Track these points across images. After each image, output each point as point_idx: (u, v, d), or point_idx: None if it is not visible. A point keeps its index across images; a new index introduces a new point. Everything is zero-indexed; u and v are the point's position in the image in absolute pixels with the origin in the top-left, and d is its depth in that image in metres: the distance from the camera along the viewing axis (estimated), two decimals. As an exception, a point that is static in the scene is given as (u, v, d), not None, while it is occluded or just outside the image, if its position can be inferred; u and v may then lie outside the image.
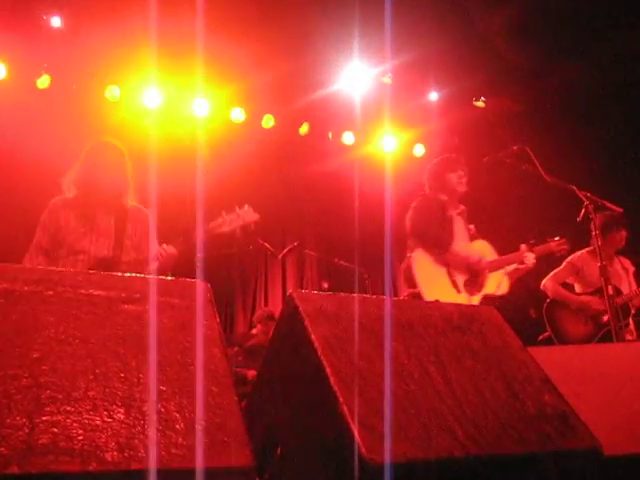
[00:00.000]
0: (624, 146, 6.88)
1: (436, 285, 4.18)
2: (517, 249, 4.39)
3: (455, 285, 4.23)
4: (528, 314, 6.67)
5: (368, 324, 1.82)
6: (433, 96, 8.12)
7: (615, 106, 6.82)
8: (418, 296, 4.15)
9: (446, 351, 1.86)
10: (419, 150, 8.73)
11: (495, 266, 4.36)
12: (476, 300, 4.22)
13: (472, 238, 4.52)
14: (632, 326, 5.14)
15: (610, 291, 3.76)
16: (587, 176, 4.64)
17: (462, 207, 4.62)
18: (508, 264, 4.40)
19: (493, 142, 4.60)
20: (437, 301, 3.97)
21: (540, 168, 4.05)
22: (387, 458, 1.46)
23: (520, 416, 1.77)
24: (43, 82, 6.85)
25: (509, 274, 4.39)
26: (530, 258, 4.36)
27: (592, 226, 3.98)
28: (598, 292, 4.94)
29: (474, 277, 4.27)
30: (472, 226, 4.60)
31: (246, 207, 3.75)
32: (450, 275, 4.23)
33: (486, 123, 7.81)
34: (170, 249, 3.59)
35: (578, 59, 6.56)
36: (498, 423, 1.71)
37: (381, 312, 1.87)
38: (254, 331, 6.90)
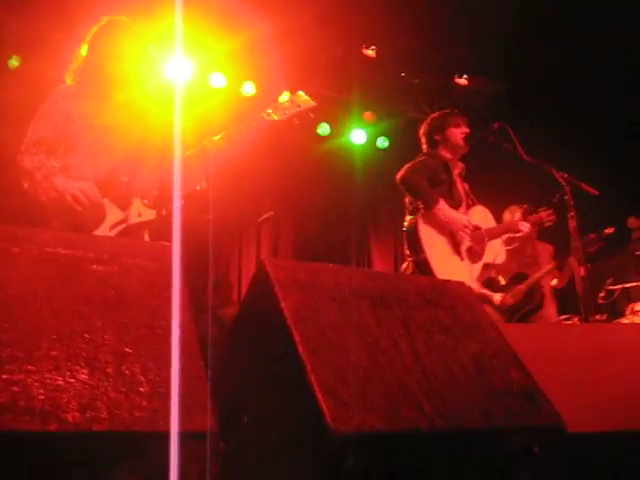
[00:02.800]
0: (604, 130, 6.90)
1: (440, 251, 4.06)
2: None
3: (458, 252, 4.14)
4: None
5: (340, 294, 1.80)
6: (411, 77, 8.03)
7: (595, 90, 6.83)
8: (422, 262, 4.02)
9: (417, 324, 1.85)
10: (383, 142, 8.66)
11: (494, 234, 4.29)
12: (477, 268, 4.14)
13: (469, 203, 4.41)
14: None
15: (582, 273, 3.78)
16: (565, 158, 4.64)
17: (461, 165, 4.49)
18: (505, 232, 4.38)
19: (477, 122, 4.56)
20: (410, 274, 3.95)
21: (520, 147, 4.04)
22: (353, 428, 1.45)
23: (487, 391, 1.78)
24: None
25: (505, 242, 4.37)
26: (525, 226, 4.35)
27: (568, 207, 3.98)
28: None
29: (475, 244, 4.17)
30: (467, 185, 4.50)
31: (301, 92, 3.41)
32: (453, 242, 4.10)
33: (469, 102, 7.78)
34: (219, 142, 3.15)
35: (560, 42, 6.55)
36: (465, 397, 1.72)
37: (353, 283, 1.86)
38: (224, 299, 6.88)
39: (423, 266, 3.96)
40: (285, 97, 3.35)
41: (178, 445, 1.30)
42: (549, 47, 6.68)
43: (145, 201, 3.03)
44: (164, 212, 2.70)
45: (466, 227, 4.04)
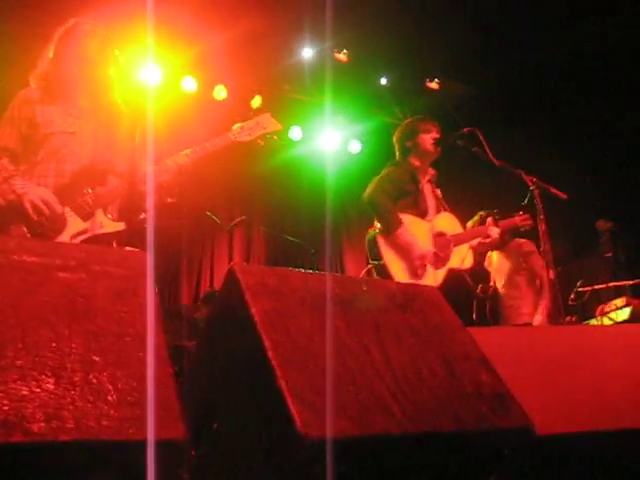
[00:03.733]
0: (574, 133, 6.99)
1: (398, 263, 4.12)
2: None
3: (416, 271, 4.15)
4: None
5: (310, 300, 1.80)
6: (383, 81, 8.05)
7: (565, 91, 6.92)
8: (383, 268, 4.11)
9: (387, 329, 1.86)
10: (354, 146, 8.68)
11: (460, 240, 4.33)
12: (441, 274, 4.18)
13: (439, 209, 4.45)
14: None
15: (551, 275, 3.82)
16: (535, 161, 4.69)
17: (432, 172, 4.53)
18: (473, 238, 4.39)
19: (446, 126, 4.59)
20: (380, 279, 3.98)
21: (489, 151, 4.08)
22: (323, 434, 1.45)
23: (457, 395, 1.79)
24: None
25: (474, 248, 4.38)
26: (495, 232, 4.37)
27: (537, 210, 4.02)
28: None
29: (439, 250, 4.22)
30: (439, 191, 4.54)
31: (267, 114, 3.42)
32: (412, 260, 4.16)
33: (440, 107, 7.84)
34: (181, 158, 3.13)
35: (531, 44, 6.63)
36: (435, 401, 1.72)
37: (323, 288, 1.86)
38: (198, 304, 6.86)
39: (383, 272, 4.04)
40: (251, 118, 3.37)
41: (147, 454, 1.29)
42: (518, 49, 6.75)
43: (109, 215, 2.99)
44: (133, 222, 2.67)
45: (424, 257, 4.10)
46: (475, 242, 4.40)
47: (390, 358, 1.76)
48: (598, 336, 2.59)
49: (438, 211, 4.43)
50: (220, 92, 7.67)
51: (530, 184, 4.02)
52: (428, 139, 4.43)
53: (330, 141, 8.41)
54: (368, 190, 4.27)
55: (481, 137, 4.10)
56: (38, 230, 2.85)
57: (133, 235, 2.85)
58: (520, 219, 4.43)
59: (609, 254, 6.61)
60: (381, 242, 4.15)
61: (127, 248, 2.69)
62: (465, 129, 4.16)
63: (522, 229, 4.55)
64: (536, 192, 4.01)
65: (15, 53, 6.19)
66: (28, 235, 2.84)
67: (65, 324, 1.42)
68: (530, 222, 4.43)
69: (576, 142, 6.92)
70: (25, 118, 3.07)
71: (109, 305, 1.53)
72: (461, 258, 4.27)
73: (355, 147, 8.70)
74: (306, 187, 8.51)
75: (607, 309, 5.62)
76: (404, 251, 4.12)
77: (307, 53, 7.57)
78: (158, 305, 1.61)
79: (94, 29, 3.19)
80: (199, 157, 3.17)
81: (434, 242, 4.23)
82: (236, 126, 3.32)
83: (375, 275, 4.15)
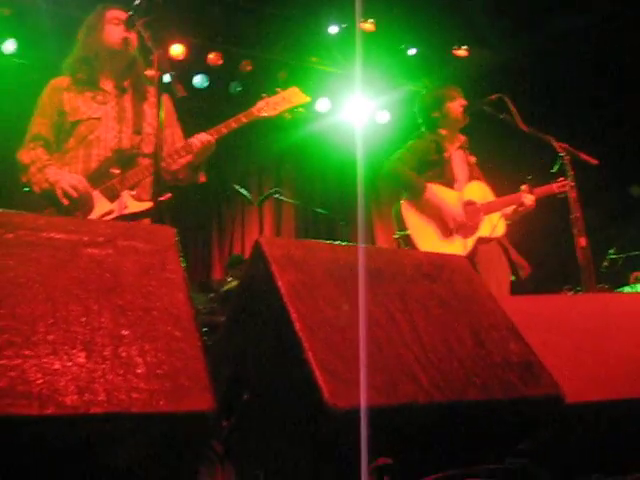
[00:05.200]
0: (603, 99, 6.85)
1: (427, 228, 4.11)
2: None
3: (448, 229, 4.15)
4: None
5: (336, 271, 1.80)
6: (412, 51, 7.93)
7: (596, 59, 6.77)
8: (408, 239, 4.11)
9: (414, 299, 1.86)
10: (383, 116, 8.58)
11: (491, 208, 4.27)
12: (470, 243, 4.14)
13: (471, 176, 4.42)
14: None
15: (583, 243, 3.77)
16: (565, 129, 4.60)
17: (462, 138, 4.47)
18: (505, 206, 4.31)
19: (474, 94, 4.51)
20: (407, 249, 3.98)
21: (518, 118, 4.01)
22: (351, 404, 1.46)
23: (485, 364, 1.78)
24: None
25: (507, 216, 4.31)
26: (529, 199, 4.28)
27: (568, 177, 3.96)
28: None
29: (469, 219, 4.18)
30: (473, 157, 4.48)
31: (294, 87, 3.39)
32: (443, 219, 4.13)
33: (467, 75, 7.72)
34: (205, 137, 3.14)
35: (561, 12, 6.49)
36: (463, 371, 1.73)
37: (349, 259, 1.86)
38: (228, 278, 6.90)
39: (408, 243, 4.06)
40: (277, 92, 3.35)
41: (177, 425, 1.32)
42: (549, 14, 6.61)
43: (134, 193, 3.04)
44: (159, 202, 2.70)
45: (450, 217, 4.07)
46: (509, 210, 4.32)
47: (418, 328, 1.76)
48: (630, 304, 2.55)
49: (470, 179, 4.37)
50: (246, 66, 7.64)
51: (560, 151, 3.95)
52: (456, 106, 4.36)
53: (358, 112, 8.34)
54: (385, 165, 4.26)
55: (509, 103, 4.03)
56: (69, 214, 2.94)
57: (160, 214, 2.88)
58: (557, 186, 4.25)
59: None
60: (406, 212, 4.14)
61: (154, 224, 2.73)
62: (493, 95, 4.10)
63: (560, 195, 4.38)
64: (566, 159, 3.93)
65: (47, 31, 6.25)
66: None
67: (94, 299, 1.45)
68: (568, 188, 4.25)
69: (608, 108, 6.79)
70: (55, 107, 3.15)
71: (137, 280, 1.55)
72: (492, 226, 4.21)
73: (383, 117, 8.62)
74: (335, 159, 8.47)
75: (640, 276, 5.54)
76: (435, 212, 4.10)
77: (333, 23, 7.48)
78: (186, 279, 1.62)
79: (119, 15, 3.21)
80: (223, 135, 3.19)
81: (464, 211, 4.19)
82: (261, 101, 3.31)
83: (400, 246, 4.15)
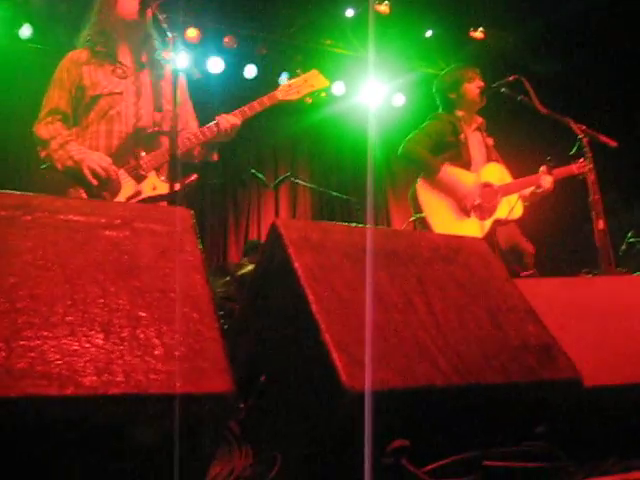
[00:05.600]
0: (623, 82, 6.76)
1: (442, 208, 4.10)
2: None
3: (464, 209, 4.13)
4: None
5: (353, 253, 1.80)
6: (428, 33, 7.85)
7: (615, 41, 6.68)
8: (423, 221, 4.10)
9: (431, 281, 1.85)
10: (399, 99, 8.52)
11: (508, 190, 4.24)
12: (487, 225, 4.13)
13: (489, 158, 4.39)
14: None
15: (601, 226, 3.74)
16: (583, 110, 4.55)
17: (479, 120, 4.46)
18: (523, 188, 4.28)
19: (492, 76, 4.47)
20: (424, 231, 3.97)
21: (535, 99, 3.97)
22: (368, 386, 1.46)
23: (503, 347, 1.77)
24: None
25: (525, 198, 4.29)
26: (547, 181, 4.24)
27: (586, 159, 3.92)
28: None
29: (485, 201, 4.17)
30: (491, 139, 4.46)
31: (315, 71, 3.40)
32: (459, 199, 4.12)
33: (484, 56, 7.65)
34: (232, 119, 3.15)
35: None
36: (481, 353, 1.72)
37: (366, 241, 1.85)
38: (244, 263, 6.92)
39: (423, 225, 4.05)
40: (299, 75, 3.33)
41: (194, 407, 1.32)
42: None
43: (162, 177, 3.03)
44: (177, 186, 2.68)
45: (466, 197, 4.05)
46: (527, 192, 4.29)
47: (435, 310, 1.76)
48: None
49: (488, 161, 4.35)
50: (261, 48, 7.61)
51: (579, 132, 3.91)
52: (473, 88, 4.34)
53: (374, 95, 8.29)
54: (401, 147, 4.25)
55: (527, 85, 3.99)
56: (95, 193, 2.92)
57: (183, 196, 2.87)
58: (577, 166, 4.16)
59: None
60: (421, 193, 4.14)
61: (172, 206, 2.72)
62: (510, 77, 4.06)
63: (580, 176, 4.30)
64: (585, 140, 3.90)
65: (62, 16, 6.24)
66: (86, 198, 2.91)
67: (111, 281, 1.45)
68: (588, 168, 4.16)
69: (626, 90, 6.70)
70: (74, 80, 3.12)
71: (154, 262, 1.55)
72: (509, 208, 4.19)
73: (399, 100, 8.56)
74: (351, 142, 8.44)
75: (660, 260, 5.48)
76: (450, 191, 4.09)
77: (349, 6, 7.43)
78: (203, 261, 1.62)
79: None
80: (247, 116, 3.18)
81: (480, 193, 4.17)
82: (283, 84, 3.31)
83: (415, 228, 4.16)
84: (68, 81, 3.12)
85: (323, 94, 3.40)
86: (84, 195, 2.92)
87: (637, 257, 5.60)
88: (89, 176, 2.93)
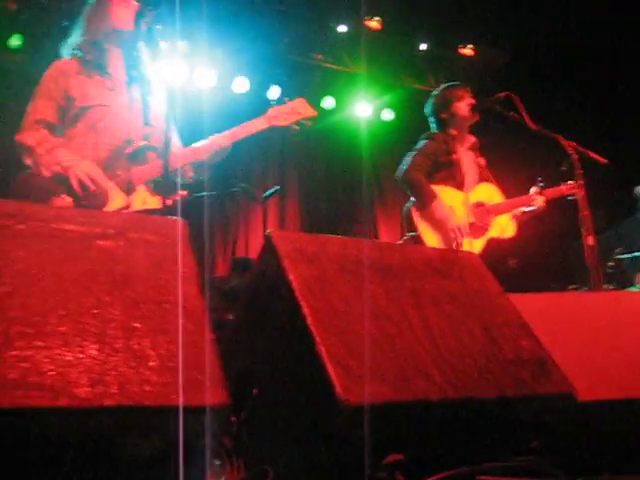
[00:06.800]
0: (612, 98, 6.83)
1: (433, 235, 4.12)
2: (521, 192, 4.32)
3: (448, 243, 4.15)
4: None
5: (348, 266, 1.79)
6: (422, 46, 7.89)
7: (602, 57, 6.75)
8: (418, 239, 4.11)
9: (425, 295, 1.84)
10: (387, 115, 8.56)
11: (500, 209, 4.27)
12: (479, 244, 4.15)
13: (481, 178, 4.42)
14: None
15: (591, 242, 3.75)
16: (574, 127, 4.58)
17: (472, 139, 4.48)
18: (515, 207, 4.32)
19: (481, 93, 4.50)
20: (418, 245, 3.99)
21: (526, 116, 4.00)
22: (363, 399, 1.45)
23: (497, 360, 1.77)
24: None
25: (517, 217, 4.32)
26: (539, 201, 4.27)
27: (576, 176, 3.95)
28: None
29: (478, 220, 4.19)
30: (483, 159, 4.49)
31: (302, 99, 3.38)
32: (445, 233, 4.14)
33: (474, 73, 7.70)
34: (222, 141, 3.10)
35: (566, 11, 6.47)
36: (475, 367, 1.71)
37: (361, 254, 1.85)
38: (232, 276, 6.90)
39: (417, 243, 4.07)
40: (286, 102, 3.35)
41: (188, 419, 1.30)
42: (552, 13, 6.60)
43: (150, 190, 3.00)
44: (169, 201, 2.65)
45: (459, 229, 4.07)
46: (518, 212, 4.33)
47: (429, 324, 1.75)
48: (638, 302, 2.54)
49: (480, 180, 4.38)
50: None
51: (569, 149, 3.93)
52: (463, 106, 4.36)
53: (363, 110, 8.32)
54: (401, 167, 4.27)
55: (517, 102, 4.02)
56: (83, 203, 2.87)
57: (171, 212, 2.84)
58: (567, 188, 4.21)
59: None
60: (416, 215, 4.16)
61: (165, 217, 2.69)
62: (501, 94, 4.09)
63: (570, 197, 4.34)
64: (575, 157, 3.92)
65: (46, 22, 6.21)
66: (72, 206, 2.85)
67: (105, 291, 1.44)
68: (578, 191, 4.19)
69: (614, 108, 6.76)
70: (61, 90, 3.04)
71: (148, 272, 1.54)
72: (501, 228, 4.22)
73: (388, 115, 8.60)
74: (340, 156, 8.45)
75: (647, 276, 5.50)
76: (439, 224, 4.11)
77: (341, 22, 7.46)
78: (197, 272, 1.61)
79: (128, 0, 3.08)
80: (240, 138, 3.17)
81: (473, 212, 4.21)
82: (272, 109, 3.31)
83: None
84: (55, 91, 3.04)
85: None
86: (71, 204, 2.86)
87: (625, 274, 5.62)
88: (75, 185, 2.86)
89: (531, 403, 1.73)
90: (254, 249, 8.07)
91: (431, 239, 4.11)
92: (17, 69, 6.45)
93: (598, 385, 1.95)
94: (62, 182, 2.89)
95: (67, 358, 1.27)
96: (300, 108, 3.36)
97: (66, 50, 3.17)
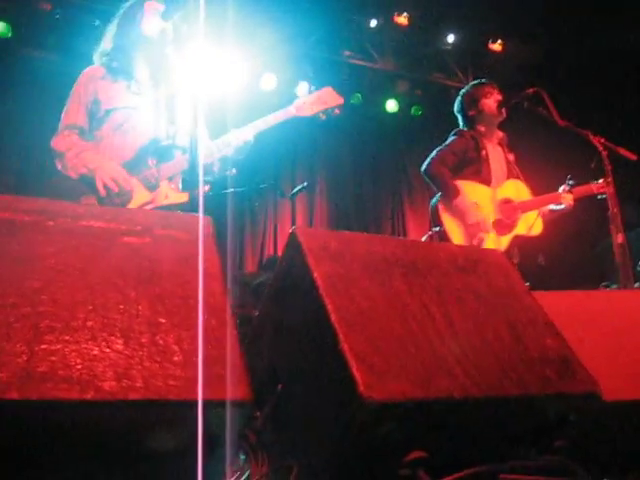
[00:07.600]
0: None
1: (458, 229, 4.12)
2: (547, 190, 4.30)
3: (472, 236, 4.14)
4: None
5: (372, 263, 1.80)
6: (450, 38, 7.85)
7: (633, 54, 6.66)
8: (443, 234, 4.12)
9: (449, 292, 1.84)
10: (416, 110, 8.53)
11: (528, 206, 4.26)
12: (505, 240, 4.14)
13: (510, 174, 4.41)
14: None
15: (620, 240, 3.71)
16: (603, 123, 4.52)
17: (500, 134, 4.48)
18: (543, 205, 4.29)
19: (510, 89, 4.48)
20: (443, 242, 3.98)
21: (555, 112, 3.96)
22: (385, 396, 1.46)
23: (521, 359, 1.76)
24: None
25: (544, 215, 4.29)
26: (567, 199, 4.25)
27: (606, 172, 3.90)
28: None
29: (505, 217, 4.18)
30: (512, 155, 4.48)
31: (329, 88, 3.42)
32: (467, 233, 4.14)
33: (503, 68, 7.64)
34: (244, 135, 3.15)
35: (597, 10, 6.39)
36: (499, 365, 1.71)
37: (385, 251, 1.85)
38: (261, 274, 6.93)
39: (444, 238, 4.11)
40: (312, 92, 3.36)
41: (211, 413, 1.32)
42: (585, 10, 6.52)
43: (172, 185, 3.07)
44: (195, 194, 2.70)
45: (478, 225, 4.04)
46: (546, 209, 4.30)
47: (453, 321, 1.75)
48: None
49: (508, 176, 4.36)
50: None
51: (598, 145, 3.89)
52: (491, 103, 4.36)
53: (391, 105, 8.31)
54: (425, 164, 4.29)
55: (546, 98, 3.98)
56: (108, 201, 2.96)
57: (196, 206, 2.87)
58: (597, 187, 4.17)
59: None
60: (441, 209, 4.17)
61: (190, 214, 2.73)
62: (529, 90, 4.06)
63: (599, 196, 4.28)
64: (604, 154, 3.88)
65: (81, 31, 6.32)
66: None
67: (131, 287, 1.46)
68: (608, 189, 4.13)
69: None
70: (90, 95, 3.18)
71: (174, 269, 1.56)
72: (528, 225, 4.20)
73: (417, 111, 8.58)
74: (368, 153, 8.45)
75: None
76: (461, 219, 4.11)
77: (370, 17, 7.45)
78: (222, 269, 1.63)
79: (155, 6, 3.22)
80: (261, 130, 3.20)
81: (500, 209, 4.19)
82: (298, 100, 3.33)
83: (436, 240, 4.18)
84: (85, 96, 3.18)
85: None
86: (96, 203, 2.96)
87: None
88: (100, 188, 2.98)
89: (555, 402, 1.72)
90: (282, 245, 8.09)
91: (456, 233, 4.11)
92: (50, 68, 6.57)
93: (624, 385, 1.93)
94: (89, 183, 3.00)
95: (94, 352, 1.29)
96: (326, 97, 3.37)
97: (97, 57, 3.31)
